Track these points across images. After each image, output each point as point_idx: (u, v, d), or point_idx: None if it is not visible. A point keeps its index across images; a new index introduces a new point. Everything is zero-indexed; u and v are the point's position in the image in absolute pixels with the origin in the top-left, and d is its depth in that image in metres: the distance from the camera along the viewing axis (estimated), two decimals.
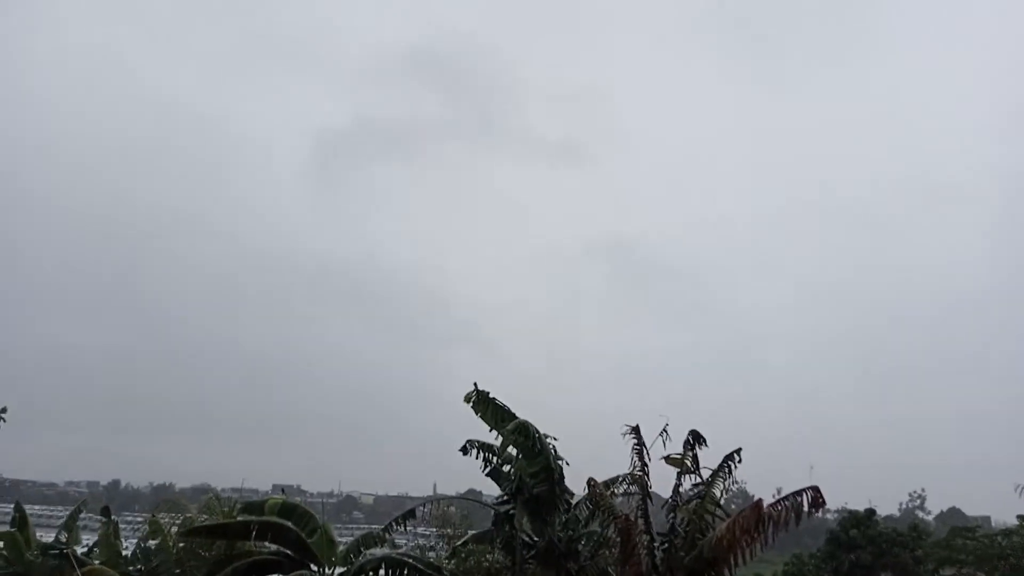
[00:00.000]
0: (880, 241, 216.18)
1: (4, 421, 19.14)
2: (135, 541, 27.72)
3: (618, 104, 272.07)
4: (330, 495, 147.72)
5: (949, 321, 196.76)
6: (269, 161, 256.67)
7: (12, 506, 23.45)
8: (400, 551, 19.64)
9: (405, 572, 16.93)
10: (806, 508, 11.90)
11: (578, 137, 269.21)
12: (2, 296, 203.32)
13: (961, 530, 37.48)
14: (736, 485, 14.66)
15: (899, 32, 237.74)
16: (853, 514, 36.92)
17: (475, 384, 15.79)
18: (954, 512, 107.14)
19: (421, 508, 18.09)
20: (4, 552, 19.09)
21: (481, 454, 16.20)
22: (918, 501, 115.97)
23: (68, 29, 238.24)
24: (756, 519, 11.87)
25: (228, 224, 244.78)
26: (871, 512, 37.65)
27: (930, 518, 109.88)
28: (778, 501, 12.66)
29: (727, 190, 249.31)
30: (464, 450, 16.17)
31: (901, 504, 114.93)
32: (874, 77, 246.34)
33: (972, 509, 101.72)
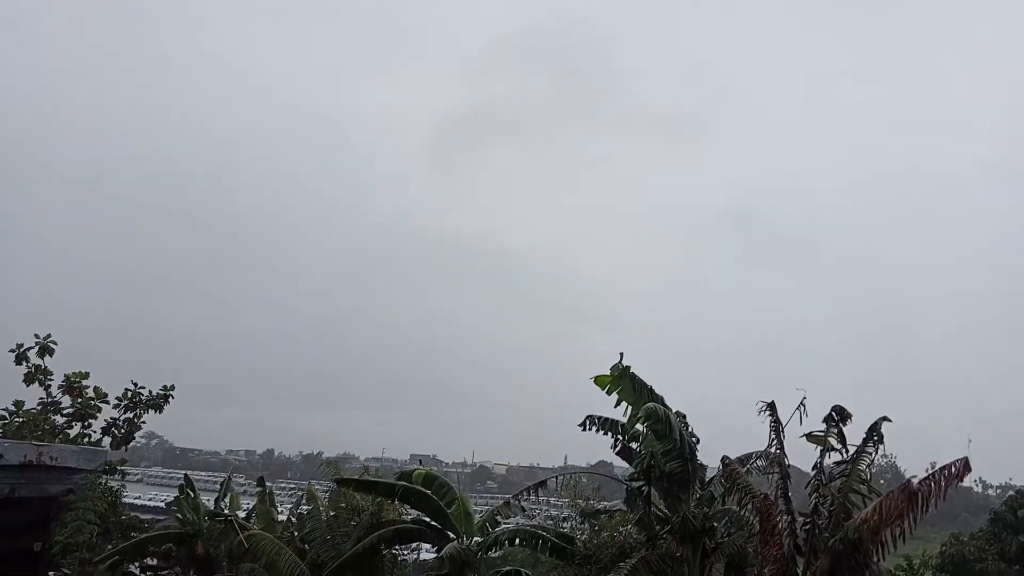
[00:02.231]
0: None
1: (173, 398, 21.10)
2: (289, 507, 29.93)
3: (729, 75, 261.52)
4: (464, 465, 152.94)
5: None
6: (393, 148, 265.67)
7: (190, 473, 25.89)
8: (532, 523, 20.02)
9: (538, 544, 17.27)
10: (951, 482, 11.06)
11: (692, 110, 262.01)
12: (169, 286, 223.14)
13: None
14: (886, 459, 13.79)
15: None
16: (1021, 493, 33.97)
17: (620, 355, 15.45)
18: None
19: (553, 479, 18.26)
20: (180, 515, 21.08)
21: (602, 431, 15.96)
22: None
23: (193, 36, 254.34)
24: (906, 501, 11.17)
25: (362, 210, 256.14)
26: None
27: None
28: (927, 476, 11.84)
29: (848, 156, 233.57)
30: (584, 426, 15.99)
31: None
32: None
33: None
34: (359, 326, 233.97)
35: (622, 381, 15.39)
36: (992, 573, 29.18)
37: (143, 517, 29.27)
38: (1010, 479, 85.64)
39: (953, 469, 11.52)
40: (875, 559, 11.97)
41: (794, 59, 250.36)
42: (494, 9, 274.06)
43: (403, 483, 17.81)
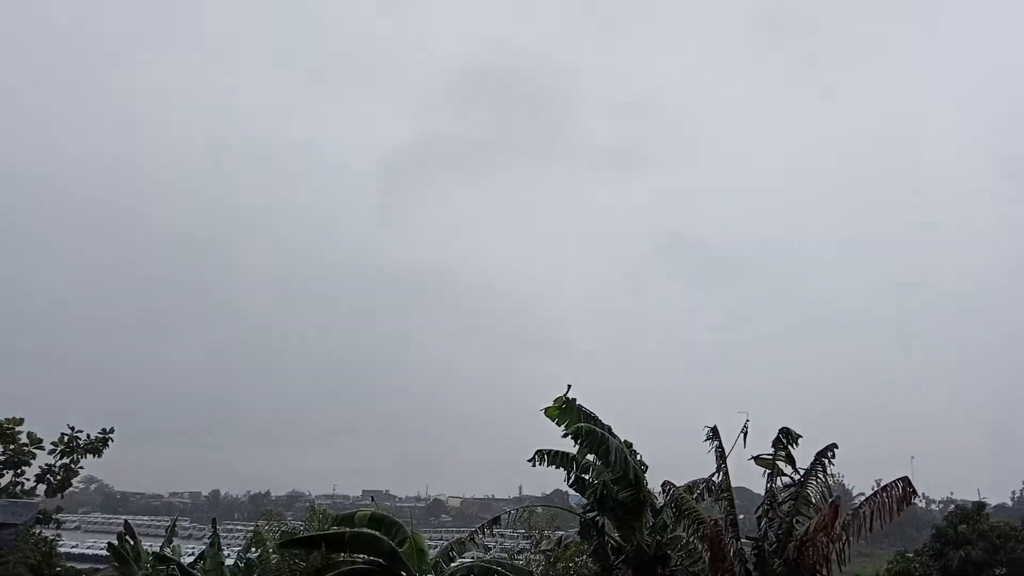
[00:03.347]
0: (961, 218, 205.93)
1: (112, 441, 20.38)
2: (237, 550, 28.98)
3: (674, 109, 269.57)
4: (418, 499, 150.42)
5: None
6: (342, 181, 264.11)
7: (130, 518, 24.89)
8: (488, 558, 19.79)
9: None
10: (896, 505, 11.36)
11: (637, 143, 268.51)
12: (101, 322, 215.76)
13: None
14: (833, 478, 14.11)
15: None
16: (960, 507, 35.02)
17: (568, 387, 15.46)
18: None
19: (506, 514, 18.13)
20: (116, 564, 20.22)
21: (552, 465, 15.86)
22: None
23: (138, 63, 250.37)
24: (834, 519, 11.41)
25: (308, 240, 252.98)
26: (981, 505, 35.60)
27: None
28: (869, 498, 12.15)
29: (785, 185, 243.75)
30: (533, 461, 15.80)
31: (1014, 492, 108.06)
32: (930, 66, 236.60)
33: None
34: (306, 360, 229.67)
35: (568, 413, 15.47)
36: None
37: (80, 567, 27.99)
38: (951, 494, 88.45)
39: (898, 490, 11.76)
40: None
41: (737, 90, 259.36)
42: (442, 46, 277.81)
43: (349, 530, 17.41)
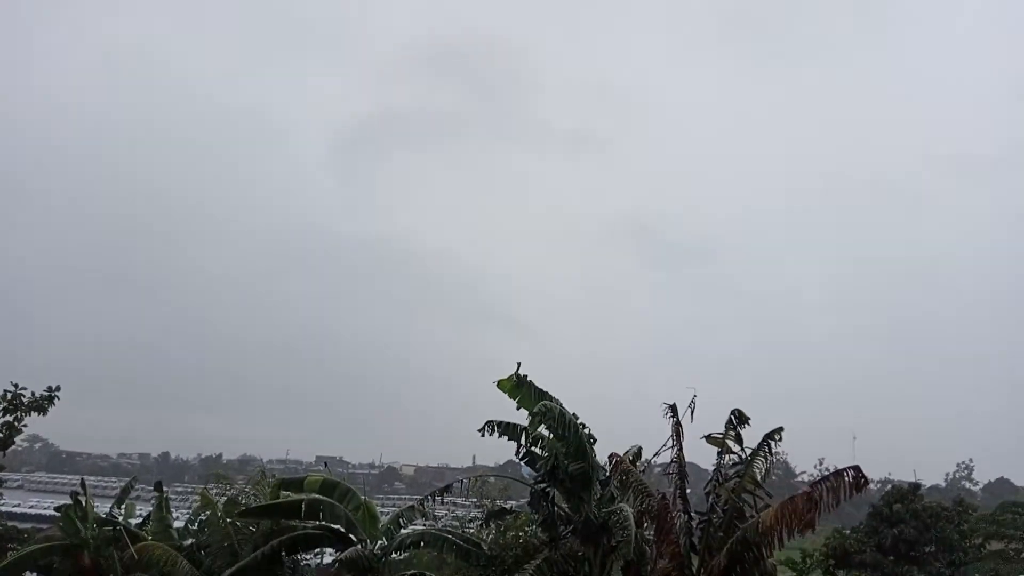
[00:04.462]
0: (904, 216, 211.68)
1: (59, 399, 19.89)
2: (186, 513, 28.69)
3: (633, 94, 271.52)
4: (372, 466, 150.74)
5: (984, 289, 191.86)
6: (296, 148, 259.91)
7: (75, 479, 24.34)
8: (439, 527, 19.98)
9: (444, 547, 17.26)
10: (847, 491, 11.74)
11: (596, 125, 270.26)
12: (58, 288, 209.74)
13: (1010, 505, 36.88)
14: (777, 456, 14.55)
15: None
16: (897, 487, 36.44)
17: (518, 364, 15.71)
18: (1003, 483, 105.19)
19: (458, 482, 18.30)
20: (60, 524, 19.87)
21: (503, 436, 16.00)
22: (965, 472, 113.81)
23: (87, 20, 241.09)
24: (811, 510, 11.74)
25: (264, 208, 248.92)
26: (916, 486, 37.13)
27: (977, 488, 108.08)
28: (819, 481, 12.52)
29: (743, 175, 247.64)
30: (483, 431, 15.91)
31: (948, 475, 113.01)
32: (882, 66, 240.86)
33: (1022, 479, 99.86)
34: (262, 325, 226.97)
35: (521, 389, 15.67)
36: (870, 564, 31.18)
37: (22, 527, 27.48)
38: (889, 474, 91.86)
39: (848, 477, 12.09)
40: (766, 555, 12.57)
41: (699, 76, 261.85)
42: (404, 20, 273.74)
43: (306, 496, 17.44)
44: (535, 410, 14.94)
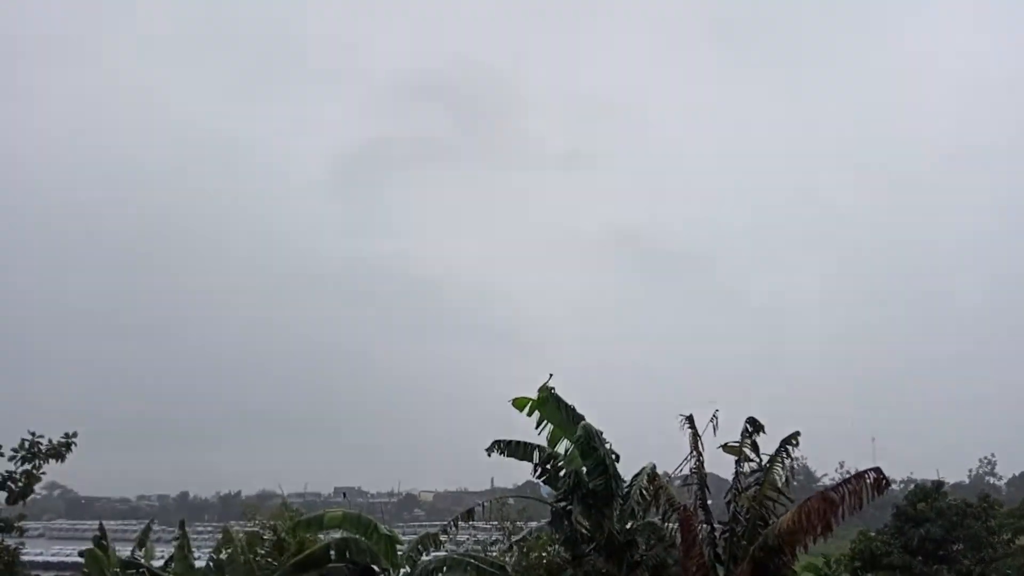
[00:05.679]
0: (908, 216, 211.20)
1: (76, 444, 19.99)
2: (207, 552, 28.64)
3: (625, 106, 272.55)
4: (390, 494, 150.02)
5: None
6: (293, 176, 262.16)
7: (95, 524, 24.40)
8: (460, 551, 19.91)
9: (466, 570, 17.19)
10: (870, 493, 11.71)
11: (588, 143, 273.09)
12: (61, 325, 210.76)
13: None
14: (797, 461, 14.54)
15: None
16: (920, 486, 36.04)
17: (550, 375, 15.61)
18: None
19: (478, 506, 18.26)
20: (86, 570, 19.91)
21: (512, 455, 15.81)
22: (988, 467, 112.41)
23: (86, 54, 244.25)
24: (827, 509, 11.72)
25: (264, 237, 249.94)
26: (939, 484, 36.65)
27: (1002, 483, 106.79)
28: (840, 484, 12.48)
29: (736, 186, 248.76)
30: (490, 452, 15.84)
31: (971, 470, 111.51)
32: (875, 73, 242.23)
33: None
34: (275, 356, 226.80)
35: (547, 403, 15.60)
36: (898, 565, 30.76)
37: (44, 575, 27.50)
38: (911, 473, 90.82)
39: (869, 479, 12.07)
40: (790, 560, 12.51)
41: (692, 83, 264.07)
42: (393, 53, 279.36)
43: (331, 539, 17.64)
44: (580, 432, 14.87)
